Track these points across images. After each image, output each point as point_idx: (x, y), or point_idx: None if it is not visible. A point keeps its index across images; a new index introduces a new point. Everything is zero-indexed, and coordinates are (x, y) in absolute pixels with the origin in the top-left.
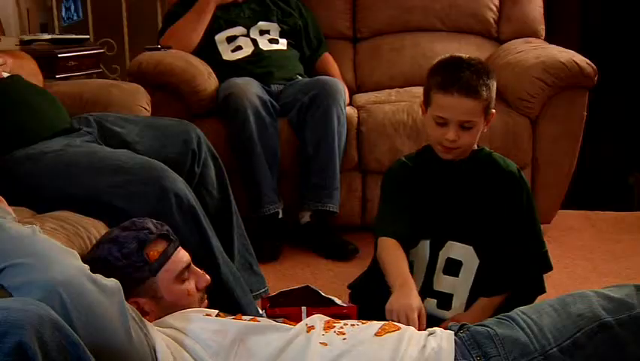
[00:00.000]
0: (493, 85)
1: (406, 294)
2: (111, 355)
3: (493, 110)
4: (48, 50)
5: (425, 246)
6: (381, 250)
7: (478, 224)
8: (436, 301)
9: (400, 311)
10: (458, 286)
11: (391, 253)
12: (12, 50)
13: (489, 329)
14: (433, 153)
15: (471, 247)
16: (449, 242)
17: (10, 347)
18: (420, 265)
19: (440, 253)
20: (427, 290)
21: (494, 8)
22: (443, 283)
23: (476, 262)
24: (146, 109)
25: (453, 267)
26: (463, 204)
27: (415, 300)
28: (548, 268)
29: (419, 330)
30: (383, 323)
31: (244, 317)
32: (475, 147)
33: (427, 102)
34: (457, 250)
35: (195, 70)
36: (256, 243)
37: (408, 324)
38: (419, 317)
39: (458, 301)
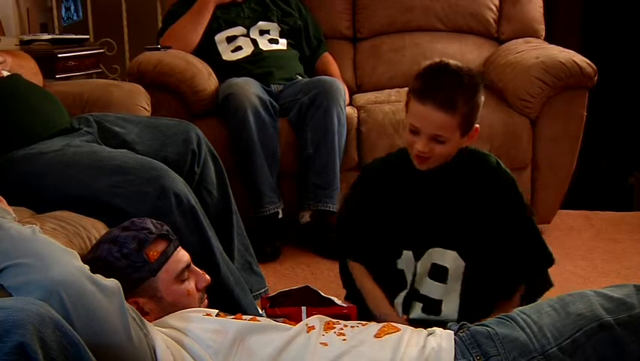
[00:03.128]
0: (478, 101)
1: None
2: (111, 355)
3: (477, 126)
4: (48, 50)
5: (409, 256)
6: (354, 273)
7: (462, 228)
8: (422, 305)
9: None
10: (447, 293)
11: (365, 280)
12: (12, 50)
13: (489, 329)
14: (406, 159)
15: (455, 252)
16: (431, 249)
17: (10, 346)
18: (410, 273)
19: (422, 259)
20: (413, 294)
21: (494, 8)
22: (429, 287)
23: (462, 265)
24: (146, 109)
25: (439, 273)
26: (442, 210)
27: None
28: (550, 259)
29: None
30: (383, 324)
31: (244, 317)
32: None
33: (407, 107)
34: (441, 255)
35: (195, 70)
36: (256, 243)
37: None
38: None
39: (449, 307)
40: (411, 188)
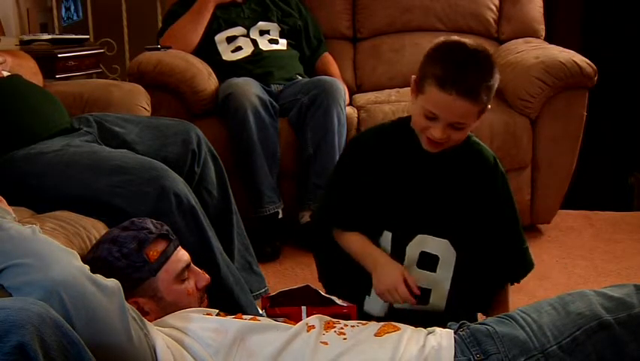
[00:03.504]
0: (495, 84)
1: (385, 272)
2: (111, 355)
3: (489, 106)
4: (48, 50)
5: (387, 238)
6: (348, 243)
7: (454, 217)
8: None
9: (388, 292)
10: (437, 282)
11: (357, 240)
12: (12, 50)
13: (488, 327)
14: (408, 132)
15: (447, 241)
16: (420, 235)
17: (11, 346)
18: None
19: (410, 245)
20: None
21: (494, 8)
22: (418, 276)
23: (453, 254)
24: (146, 109)
25: (429, 261)
26: (436, 194)
27: (395, 271)
28: (530, 265)
29: (414, 295)
30: (382, 323)
31: (244, 317)
32: None
33: (419, 88)
34: (431, 244)
35: (195, 70)
36: (256, 243)
37: (402, 300)
38: (408, 285)
39: (438, 296)
40: (409, 167)
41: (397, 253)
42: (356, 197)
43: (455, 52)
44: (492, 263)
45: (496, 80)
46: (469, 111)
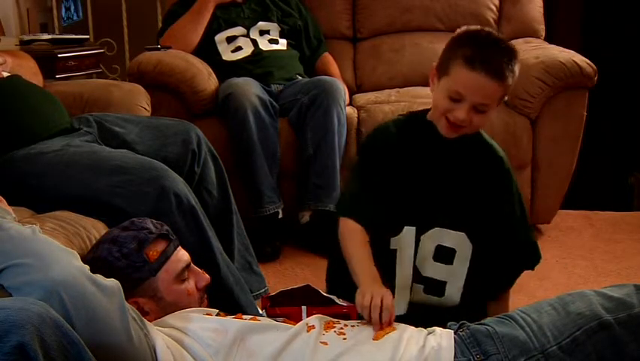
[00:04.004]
0: (517, 72)
1: (369, 291)
2: (111, 355)
3: (506, 97)
4: (48, 50)
5: (411, 233)
6: (345, 237)
7: (470, 210)
8: (423, 286)
9: (365, 309)
10: (453, 274)
11: (357, 245)
12: (12, 50)
13: (488, 328)
14: (425, 124)
15: (463, 234)
16: (437, 229)
17: (11, 346)
18: (405, 253)
19: (424, 238)
20: (414, 276)
21: (494, 8)
22: (434, 270)
23: (470, 247)
24: (146, 109)
25: (445, 254)
26: (454, 187)
27: (377, 294)
28: (540, 256)
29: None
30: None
31: (244, 317)
32: None
33: (443, 70)
34: (448, 237)
35: (195, 70)
36: (256, 243)
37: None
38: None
39: (453, 288)
40: (424, 157)
41: (417, 245)
42: (377, 190)
43: (483, 36)
44: (505, 254)
45: (518, 68)
46: (495, 92)
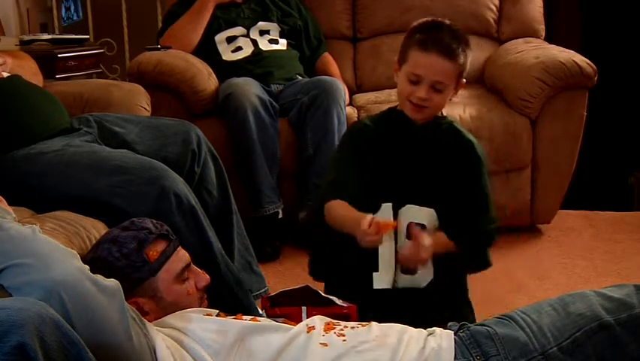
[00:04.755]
0: (469, 54)
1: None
2: (111, 355)
3: (464, 81)
4: (48, 50)
5: (388, 209)
6: (332, 209)
7: (438, 188)
8: (400, 266)
9: (368, 235)
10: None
11: (345, 208)
12: (12, 50)
13: (489, 329)
14: (397, 114)
15: (432, 210)
16: (408, 205)
17: (11, 346)
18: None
19: (400, 216)
20: (396, 258)
21: (494, 8)
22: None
23: (436, 223)
24: (146, 109)
25: None
26: (423, 167)
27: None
28: (490, 243)
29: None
30: (383, 325)
31: (244, 317)
32: (440, 114)
33: (402, 59)
34: (419, 213)
35: (195, 70)
36: (256, 243)
37: (380, 235)
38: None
39: (425, 265)
40: (397, 141)
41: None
42: (357, 173)
43: (433, 23)
44: (462, 237)
45: (469, 52)
46: (449, 70)
